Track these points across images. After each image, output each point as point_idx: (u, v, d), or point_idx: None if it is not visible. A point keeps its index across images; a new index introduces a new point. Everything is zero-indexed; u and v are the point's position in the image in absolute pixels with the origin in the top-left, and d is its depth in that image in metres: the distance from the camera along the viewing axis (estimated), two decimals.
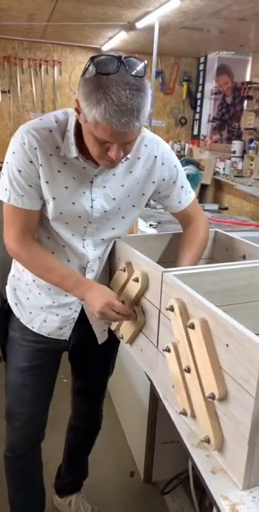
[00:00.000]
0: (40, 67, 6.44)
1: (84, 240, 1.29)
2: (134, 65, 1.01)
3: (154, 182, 1.32)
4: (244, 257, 1.40)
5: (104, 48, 6.22)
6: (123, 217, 1.33)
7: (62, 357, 1.50)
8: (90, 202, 1.24)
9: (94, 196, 1.24)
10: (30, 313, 1.35)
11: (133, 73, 1.00)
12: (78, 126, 1.14)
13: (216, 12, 4.08)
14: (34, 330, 1.36)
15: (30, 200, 1.20)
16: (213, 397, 0.88)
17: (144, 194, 1.33)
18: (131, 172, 1.27)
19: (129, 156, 1.20)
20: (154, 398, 1.19)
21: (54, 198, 1.20)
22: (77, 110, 1.07)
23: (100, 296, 1.20)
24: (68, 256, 1.30)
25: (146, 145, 1.28)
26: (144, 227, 2.72)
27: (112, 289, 1.36)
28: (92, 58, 1.02)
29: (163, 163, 1.31)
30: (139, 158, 1.27)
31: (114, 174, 1.24)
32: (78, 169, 1.20)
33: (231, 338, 0.84)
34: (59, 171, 1.19)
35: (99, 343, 1.41)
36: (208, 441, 0.91)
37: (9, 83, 6.38)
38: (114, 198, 1.26)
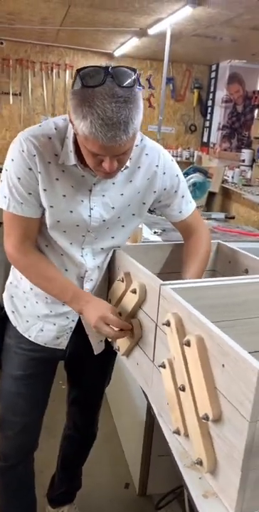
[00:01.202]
0: (51, 70, 6.47)
1: (82, 248, 1.27)
2: (122, 76, 0.98)
3: (155, 191, 1.29)
4: (246, 271, 1.37)
5: (116, 54, 6.23)
6: (123, 226, 1.31)
7: (61, 362, 1.48)
8: (88, 211, 1.21)
9: (92, 205, 1.22)
10: (27, 321, 1.33)
11: (121, 84, 0.97)
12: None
13: (228, 20, 4.06)
14: (31, 339, 1.33)
15: (29, 208, 1.18)
16: (206, 418, 0.85)
17: (144, 203, 1.30)
18: (131, 181, 1.24)
19: (128, 164, 1.18)
20: (152, 410, 1.16)
21: (51, 206, 1.18)
22: (71, 121, 1.05)
23: (95, 310, 1.18)
24: (66, 265, 1.28)
25: (147, 154, 1.26)
26: (149, 235, 2.70)
27: (110, 300, 1.34)
28: (78, 71, 0.99)
29: (164, 173, 1.28)
30: (139, 167, 1.25)
31: (113, 183, 1.22)
32: (77, 177, 1.18)
33: (227, 358, 0.81)
34: (57, 179, 1.17)
35: (96, 353, 1.38)
36: (200, 463, 0.88)
37: (21, 86, 6.41)
38: (113, 207, 1.24)
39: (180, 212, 1.36)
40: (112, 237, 1.30)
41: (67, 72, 6.51)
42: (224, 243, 1.50)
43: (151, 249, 1.50)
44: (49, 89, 6.55)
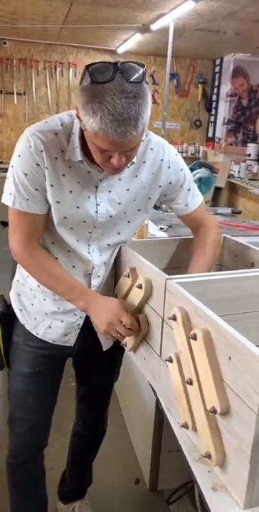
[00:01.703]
0: (55, 69, 6.47)
1: (89, 245, 1.27)
2: (131, 71, 0.98)
3: (160, 186, 1.29)
4: (252, 265, 1.36)
5: (120, 50, 6.21)
6: (129, 222, 1.31)
7: (69, 360, 1.48)
8: (94, 207, 1.22)
9: (99, 201, 1.22)
10: (35, 319, 1.34)
11: (130, 80, 0.97)
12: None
13: (232, 13, 4.03)
14: (39, 336, 1.34)
15: (36, 204, 1.18)
16: (214, 411, 0.85)
17: (150, 198, 1.30)
18: (136, 176, 1.24)
19: (134, 160, 1.18)
20: (160, 405, 1.16)
21: (58, 202, 1.18)
22: (79, 117, 1.05)
23: (106, 308, 1.18)
24: (73, 261, 1.28)
25: (152, 149, 1.25)
26: (155, 231, 2.70)
27: (116, 295, 1.34)
28: (87, 67, 0.99)
29: (169, 167, 1.28)
30: (144, 162, 1.25)
31: (119, 179, 1.22)
32: (83, 173, 1.18)
33: (233, 350, 0.81)
34: (64, 175, 1.17)
35: (104, 349, 1.39)
36: (209, 456, 0.88)
37: (24, 85, 6.41)
38: (119, 203, 1.24)
39: (186, 205, 1.35)
40: (118, 233, 1.30)
41: (71, 70, 6.50)
42: (230, 237, 1.49)
43: (156, 244, 1.50)
44: (53, 88, 6.55)
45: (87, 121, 1.00)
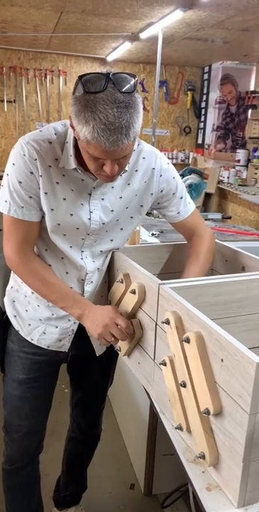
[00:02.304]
0: (45, 77, 6.50)
1: (82, 251, 1.29)
2: (122, 82, 1.01)
3: (152, 194, 1.32)
4: (243, 269, 1.39)
5: (109, 58, 6.27)
6: (122, 229, 1.33)
7: (62, 366, 1.49)
8: (88, 214, 1.24)
9: (92, 208, 1.24)
10: (30, 325, 1.35)
11: (122, 90, 1.00)
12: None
13: (219, 23, 4.10)
14: (33, 342, 1.35)
15: (30, 212, 1.20)
16: (207, 412, 0.87)
17: (142, 206, 1.33)
18: (129, 184, 1.27)
19: (127, 168, 1.21)
20: (155, 409, 1.18)
21: (52, 209, 1.21)
22: (72, 126, 1.08)
23: (101, 313, 1.20)
24: (67, 268, 1.30)
25: (144, 157, 1.28)
26: (146, 236, 2.73)
27: (109, 301, 1.36)
28: (80, 77, 1.02)
29: (161, 175, 1.31)
30: (137, 170, 1.27)
31: (112, 187, 1.25)
32: (77, 181, 1.21)
33: (225, 352, 0.83)
34: (57, 183, 1.19)
35: (97, 354, 1.40)
36: (203, 457, 0.90)
37: (15, 93, 6.43)
38: (112, 210, 1.27)
39: (178, 213, 1.38)
40: (111, 240, 1.33)
41: (61, 78, 6.54)
42: (220, 242, 1.52)
43: (149, 250, 1.52)
44: (43, 96, 6.57)
45: (80, 130, 1.03)
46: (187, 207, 1.39)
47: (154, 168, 1.30)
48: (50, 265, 1.29)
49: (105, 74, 1.01)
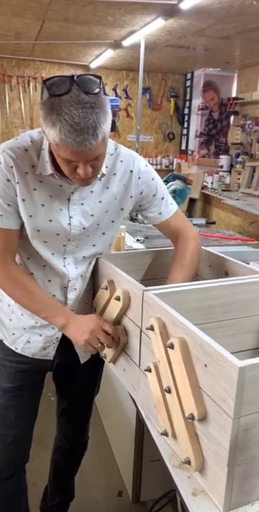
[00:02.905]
0: (28, 84, 6.49)
1: (64, 258, 1.29)
2: (87, 83, 1.02)
3: (131, 196, 1.33)
4: (227, 274, 1.41)
5: (92, 65, 6.29)
6: (103, 234, 1.34)
7: (49, 374, 1.49)
8: (67, 219, 1.24)
9: (72, 213, 1.24)
10: (13, 334, 1.34)
11: (86, 91, 1.01)
12: None
13: (200, 31, 4.16)
14: (18, 351, 1.34)
15: (9, 220, 1.20)
16: (192, 417, 0.88)
17: (122, 209, 1.33)
18: (108, 188, 1.28)
19: (105, 172, 1.22)
20: (140, 415, 1.18)
21: (30, 216, 1.21)
22: (43, 131, 1.08)
23: (87, 320, 1.21)
24: (49, 276, 1.29)
25: (122, 160, 1.29)
26: (131, 242, 2.74)
27: (94, 309, 1.36)
28: (44, 81, 1.03)
29: (139, 178, 1.32)
30: (115, 174, 1.28)
31: (91, 191, 1.25)
32: (54, 187, 1.21)
33: (209, 357, 0.84)
34: (35, 189, 1.20)
35: (82, 362, 1.40)
36: (188, 462, 0.91)
37: None
38: (92, 215, 1.27)
39: (160, 213, 1.38)
40: (93, 245, 1.33)
41: None
42: (204, 247, 1.53)
43: (133, 256, 1.53)
44: (27, 103, 6.56)
45: (48, 134, 1.04)
46: (169, 207, 1.40)
47: (131, 171, 1.30)
48: (32, 273, 1.29)
49: (69, 76, 1.02)
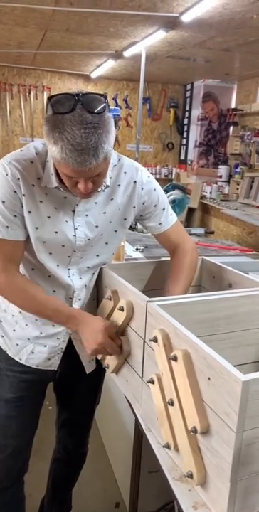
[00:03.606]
0: (29, 92, 6.52)
1: (69, 269, 1.30)
2: (92, 103, 1.03)
3: (134, 207, 1.34)
4: (230, 286, 1.41)
5: (93, 75, 6.33)
6: (106, 244, 1.34)
7: (49, 385, 1.48)
8: (72, 231, 1.25)
9: (76, 225, 1.25)
10: (17, 344, 1.34)
11: (91, 110, 1.01)
12: None
13: (201, 43, 4.20)
14: (22, 362, 1.34)
15: (15, 231, 1.20)
16: (195, 431, 0.88)
17: (125, 219, 1.34)
18: (112, 199, 1.29)
19: (109, 184, 1.23)
20: (140, 426, 1.17)
21: (37, 228, 1.21)
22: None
23: (95, 328, 1.21)
24: (54, 287, 1.30)
25: (125, 172, 1.30)
26: (131, 252, 2.74)
27: None
28: (49, 98, 1.04)
29: (142, 188, 1.33)
30: (119, 185, 1.29)
31: (96, 202, 1.26)
32: (60, 199, 1.22)
33: (212, 370, 0.84)
34: (41, 201, 1.20)
35: (87, 372, 1.40)
36: (190, 476, 0.91)
37: None
38: (96, 226, 1.28)
39: (160, 224, 1.39)
40: (97, 255, 1.33)
41: (45, 93, 6.56)
42: (208, 259, 1.54)
43: (137, 266, 1.53)
44: (27, 111, 6.58)
45: (50, 150, 1.06)
46: (169, 218, 1.41)
47: (135, 182, 1.32)
48: (37, 284, 1.29)
49: (75, 94, 1.03)
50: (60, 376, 1.40)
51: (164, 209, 1.39)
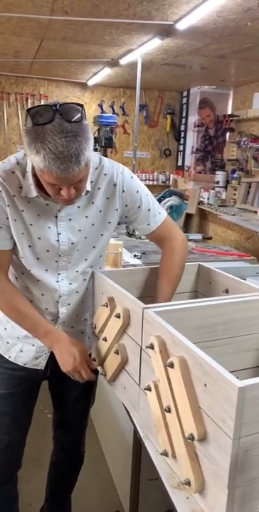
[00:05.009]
0: (26, 100, 6.54)
1: (59, 274, 1.32)
2: (69, 112, 1.05)
3: (117, 209, 1.34)
4: (227, 291, 1.41)
5: (90, 83, 6.36)
6: (94, 247, 1.35)
7: (46, 390, 1.48)
8: (56, 236, 1.27)
9: (60, 230, 1.27)
10: (8, 343, 1.38)
11: (69, 120, 1.04)
12: None
13: (196, 50, 4.23)
14: (11, 359, 1.38)
15: (1, 241, 1.24)
16: (192, 438, 0.87)
17: (109, 222, 1.35)
18: (93, 203, 1.30)
19: (89, 189, 1.24)
20: (138, 434, 1.17)
21: (22, 233, 1.25)
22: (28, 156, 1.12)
23: (71, 353, 1.27)
24: (42, 290, 1.33)
25: (105, 174, 1.31)
26: (129, 258, 2.74)
27: (95, 325, 1.36)
28: (28, 110, 1.06)
29: (123, 191, 1.33)
30: (99, 188, 1.31)
31: (78, 206, 1.28)
32: (42, 206, 1.25)
33: (208, 377, 0.84)
34: (23, 210, 1.23)
35: None
36: (188, 483, 0.90)
37: None
38: (79, 230, 1.30)
39: (148, 224, 1.40)
40: (85, 259, 1.35)
41: (42, 101, 6.59)
42: (204, 264, 1.54)
43: (134, 273, 1.53)
44: (24, 119, 6.60)
45: (33, 160, 1.07)
46: (156, 217, 1.40)
47: (115, 185, 1.32)
48: (27, 287, 1.32)
49: (52, 105, 1.05)
50: (53, 375, 1.42)
51: (149, 210, 1.38)
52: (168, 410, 0.97)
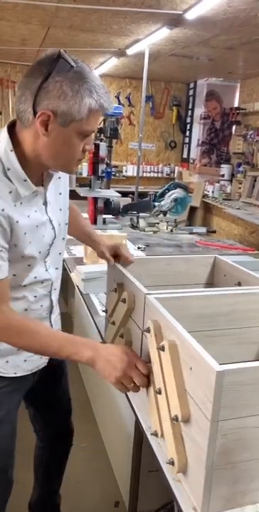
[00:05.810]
0: None
1: (45, 262, 1.25)
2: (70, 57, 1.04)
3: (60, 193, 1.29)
4: (239, 284, 1.41)
5: (96, 73, 6.34)
6: (66, 224, 1.31)
7: None
8: (50, 224, 1.22)
9: (50, 217, 1.21)
10: (7, 362, 1.27)
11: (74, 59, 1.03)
12: (21, 159, 1.08)
13: (205, 41, 4.20)
14: (18, 375, 1.29)
15: (2, 267, 1.09)
16: (176, 419, 0.89)
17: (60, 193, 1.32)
18: (60, 178, 1.27)
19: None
20: (141, 425, 1.17)
21: (15, 245, 1.14)
22: (46, 124, 1.02)
23: (119, 352, 1.07)
24: (35, 291, 1.25)
25: None
26: (133, 250, 2.75)
27: (107, 310, 1.38)
28: (56, 58, 1.00)
29: (59, 178, 1.28)
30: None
31: (60, 193, 1.27)
32: (32, 201, 1.15)
33: (193, 361, 0.85)
34: (17, 221, 1.11)
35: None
36: (172, 463, 0.92)
37: (1, 105, 6.46)
38: (60, 209, 1.27)
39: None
40: (63, 238, 1.30)
41: None
42: (220, 257, 1.55)
43: (147, 262, 1.53)
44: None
45: (79, 108, 1.00)
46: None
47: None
48: (24, 286, 1.22)
49: (59, 52, 1.01)
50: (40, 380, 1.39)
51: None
52: (159, 392, 0.98)
